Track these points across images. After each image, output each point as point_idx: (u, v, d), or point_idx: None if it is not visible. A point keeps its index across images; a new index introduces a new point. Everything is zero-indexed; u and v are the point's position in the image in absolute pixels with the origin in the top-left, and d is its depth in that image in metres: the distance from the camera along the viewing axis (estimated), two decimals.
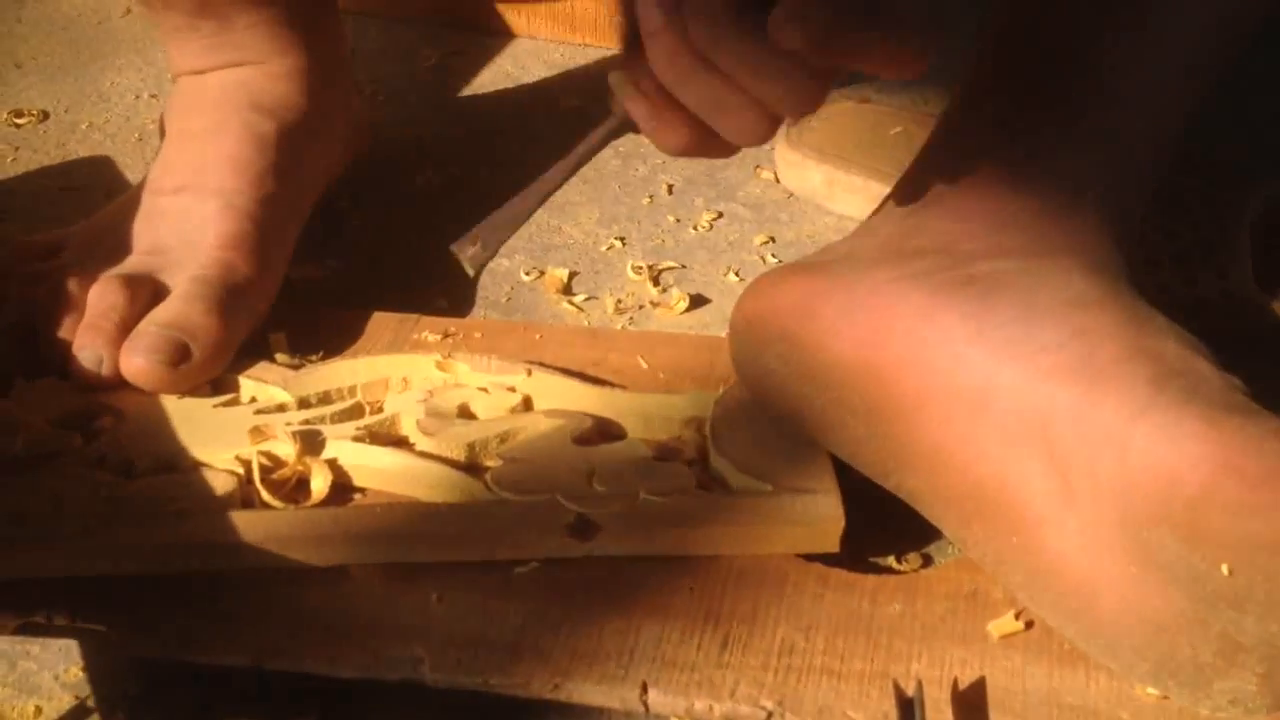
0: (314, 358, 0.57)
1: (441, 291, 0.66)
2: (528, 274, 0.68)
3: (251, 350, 0.57)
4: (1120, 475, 0.38)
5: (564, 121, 0.81)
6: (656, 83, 0.44)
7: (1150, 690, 0.42)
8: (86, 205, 0.70)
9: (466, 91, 0.85)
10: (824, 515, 0.46)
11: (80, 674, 0.46)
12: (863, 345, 0.44)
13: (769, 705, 0.42)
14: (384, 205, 0.73)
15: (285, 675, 0.44)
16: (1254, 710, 0.39)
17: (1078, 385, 0.40)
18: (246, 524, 0.47)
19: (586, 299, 0.66)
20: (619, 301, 0.66)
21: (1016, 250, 0.45)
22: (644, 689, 0.43)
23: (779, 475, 0.48)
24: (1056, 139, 0.47)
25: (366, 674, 0.44)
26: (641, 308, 0.65)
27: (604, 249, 0.70)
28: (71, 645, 0.47)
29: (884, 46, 0.41)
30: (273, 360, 0.56)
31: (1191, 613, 0.38)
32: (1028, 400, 0.40)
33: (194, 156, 0.61)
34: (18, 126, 0.80)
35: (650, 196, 0.74)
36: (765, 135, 0.44)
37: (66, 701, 0.45)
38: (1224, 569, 0.36)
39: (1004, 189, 0.46)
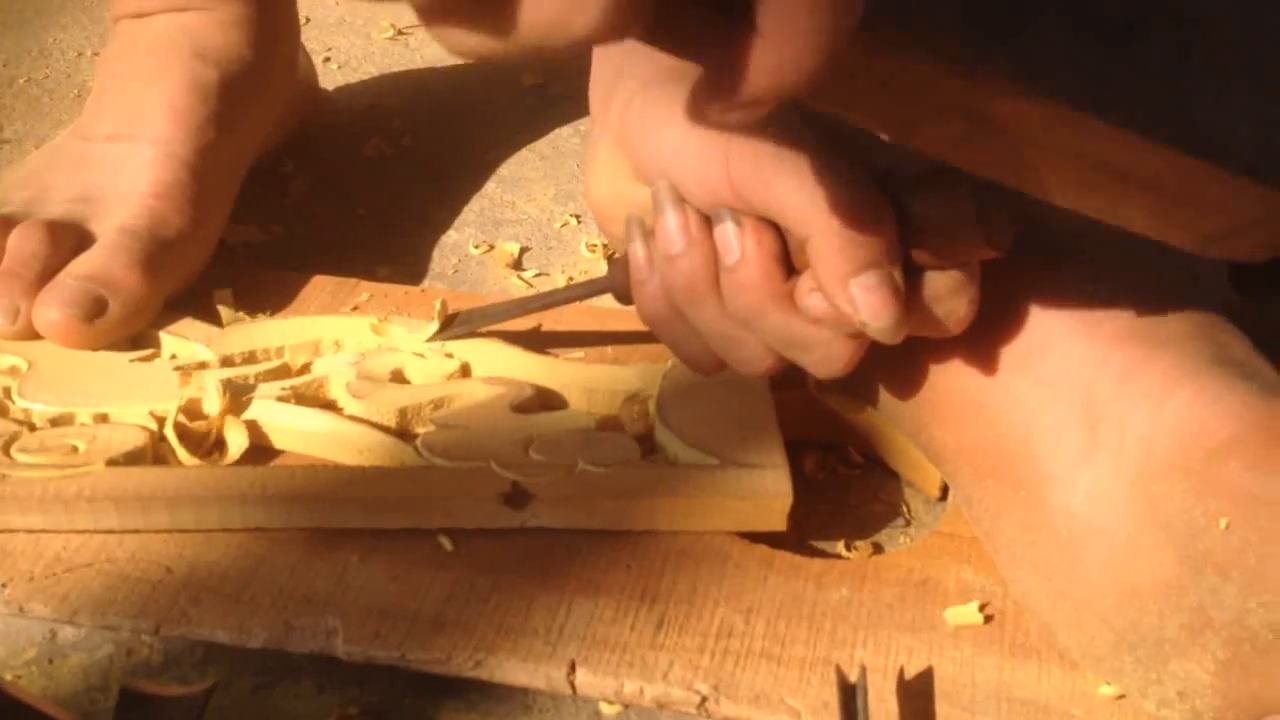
0: (242, 315, 0.54)
1: (386, 261, 0.64)
2: (477, 247, 0.65)
3: (187, 308, 0.54)
4: (1149, 426, 0.37)
5: (523, 98, 0.78)
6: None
7: (1104, 689, 0.40)
8: (17, 159, 0.67)
9: (424, 64, 0.82)
10: (771, 490, 0.44)
11: None
12: None
13: (703, 689, 0.40)
14: (331, 172, 0.70)
15: (190, 643, 0.42)
16: (1200, 712, 0.37)
17: (1135, 349, 0.39)
18: (156, 480, 0.44)
19: (536, 275, 0.64)
20: (570, 279, 0.63)
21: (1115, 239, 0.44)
22: (572, 668, 0.40)
23: (726, 450, 0.46)
24: None
25: (275, 644, 0.41)
26: None
27: (558, 226, 0.68)
28: None
29: (910, 316, 0.39)
30: (218, 317, 0.54)
31: (1174, 578, 0.36)
32: (1079, 358, 0.40)
33: (130, 102, 0.58)
34: None
35: None
36: (770, 371, 0.42)
37: None
38: (1222, 523, 0.35)
39: None
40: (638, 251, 0.43)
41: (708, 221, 0.41)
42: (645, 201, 0.42)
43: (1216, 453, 0.35)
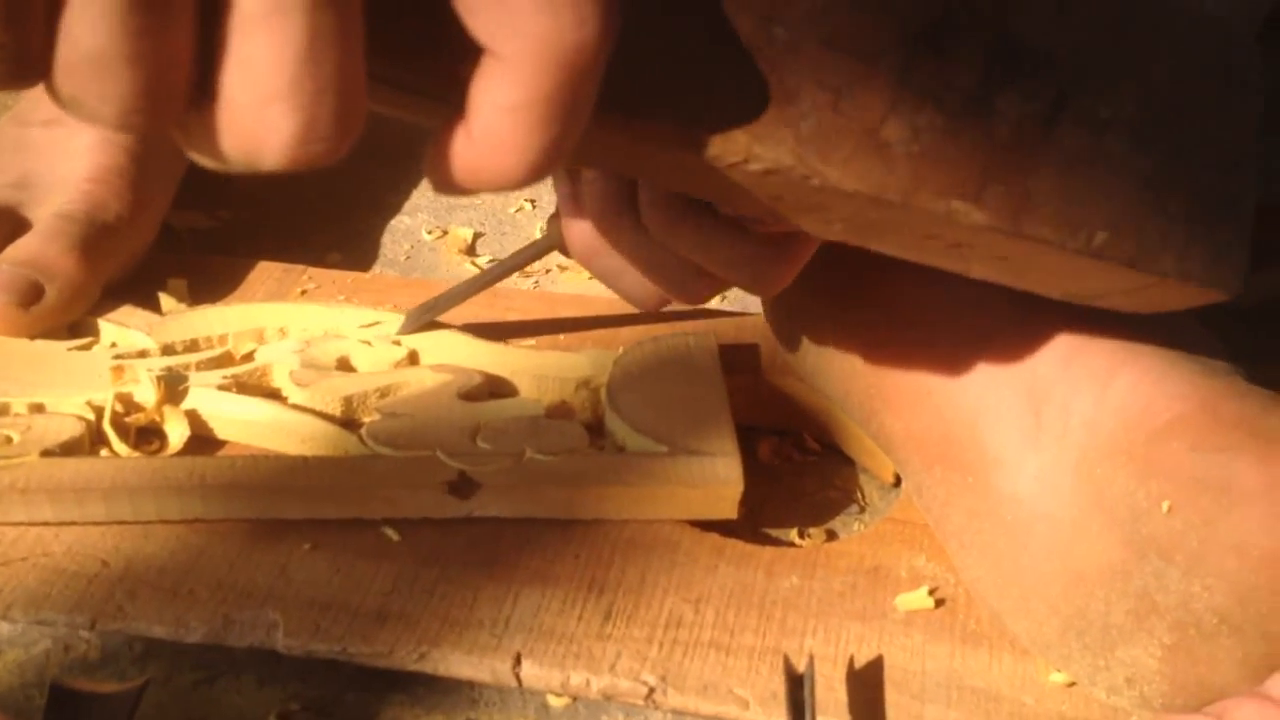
0: (182, 306, 0.53)
1: (336, 247, 0.63)
2: (429, 233, 0.64)
3: (129, 295, 0.53)
4: (1093, 409, 0.37)
5: None
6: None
7: (1055, 676, 0.40)
8: None
9: None
10: (722, 478, 0.43)
11: None
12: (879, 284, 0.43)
13: (651, 680, 0.39)
14: None
15: (128, 638, 0.41)
16: (1148, 698, 0.37)
17: (1079, 331, 0.38)
18: (92, 471, 0.43)
19: (490, 260, 0.63)
20: None
21: None
22: (517, 660, 0.39)
23: (677, 437, 0.45)
24: None
25: (214, 639, 0.40)
26: (548, 271, 0.62)
27: (513, 211, 0.67)
28: None
29: None
30: (159, 305, 0.52)
31: (1119, 562, 0.36)
32: (1024, 341, 0.39)
33: None
34: None
35: None
36: (708, 296, 0.41)
37: None
38: (1164, 505, 0.34)
39: None
40: (564, 187, 0.42)
41: None
42: None
43: (1159, 435, 0.35)
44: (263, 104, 0.23)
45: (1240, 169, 0.31)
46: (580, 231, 0.42)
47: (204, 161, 0.25)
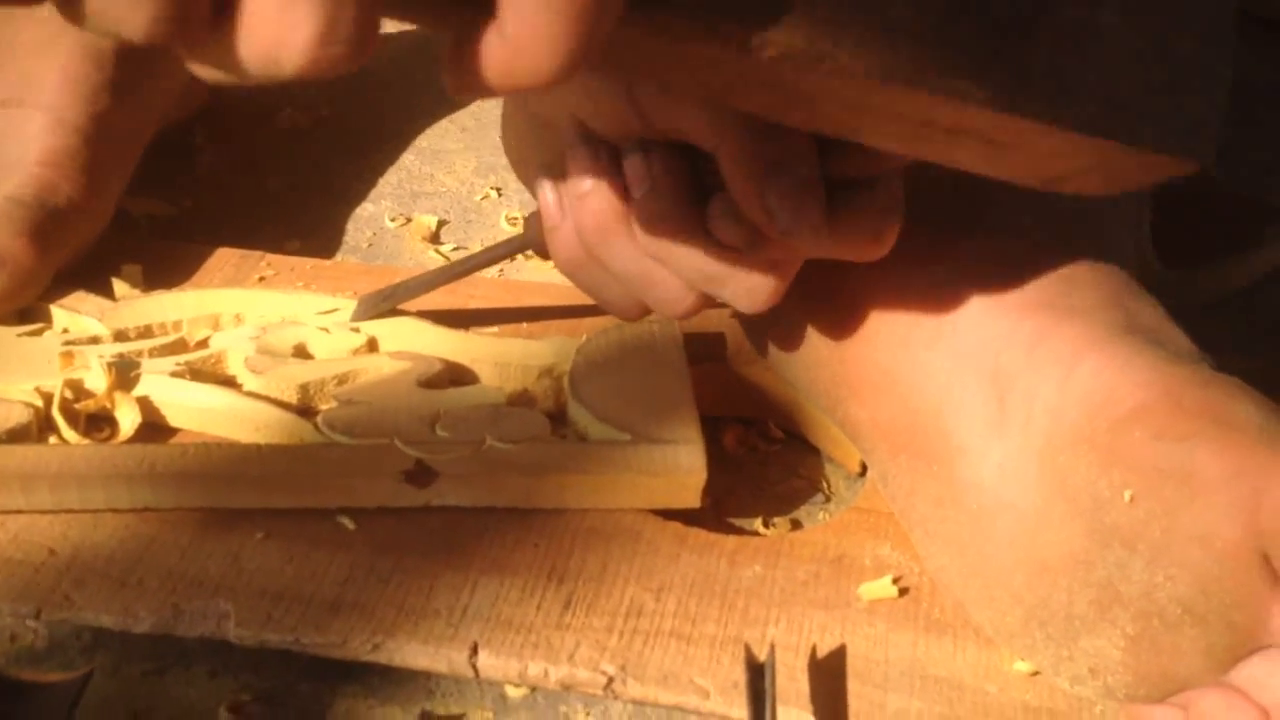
0: (137, 291, 0.52)
1: (298, 234, 0.62)
2: (393, 220, 0.63)
3: (82, 281, 0.52)
4: (1057, 397, 0.36)
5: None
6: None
7: (1019, 665, 0.39)
8: None
9: None
10: (684, 466, 0.43)
11: None
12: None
13: (610, 670, 0.38)
14: (243, 143, 0.68)
15: (76, 628, 0.40)
16: (1113, 688, 0.36)
17: (1044, 318, 0.38)
18: (39, 458, 0.42)
19: (454, 249, 0.62)
20: None
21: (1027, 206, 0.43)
22: (474, 650, 0.39)
23: (639, 425, 0.44)
24: None
25: (163, 629, 0.39)
26: (513, 260, 0.61)
27: (478, 199, 0.66)
28: None
29: (833, 234, 0.37)
30: (111, 292, 0.51)
31: (1081, 551, 0.35)
32: (989, 327, 0.39)
33: (20, 69, 0.55)
34: None
35: None
36: (693, 311, 0.41)
37: None
38: (1126, 495, 0.34)
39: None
40: (548, 196, 0.41)
41: (617, 156, 0.39)
42: (556, 146, 0.41)
43: (1121, 423, 0.34)
44: (285, 4, 0.22)
45: (1218, 39, 0.32)
46: (565, 240, 0.41)
47: (214, 75, 0.24)
